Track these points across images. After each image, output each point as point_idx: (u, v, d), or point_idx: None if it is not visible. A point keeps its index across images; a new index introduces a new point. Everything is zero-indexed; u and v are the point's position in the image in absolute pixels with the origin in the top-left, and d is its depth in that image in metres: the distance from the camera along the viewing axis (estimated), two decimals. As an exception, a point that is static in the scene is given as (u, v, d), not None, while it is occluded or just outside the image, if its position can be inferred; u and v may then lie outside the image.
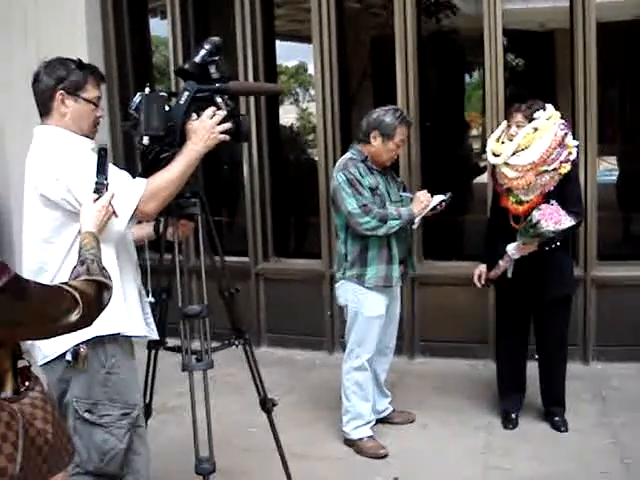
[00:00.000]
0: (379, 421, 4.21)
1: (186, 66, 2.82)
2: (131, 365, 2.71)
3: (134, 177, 2.61)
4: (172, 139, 2.64)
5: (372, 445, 3.95)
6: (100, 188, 2.38)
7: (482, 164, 5.70)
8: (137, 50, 6.10)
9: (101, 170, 2.40)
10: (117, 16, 5.88)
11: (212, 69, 2.80)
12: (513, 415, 4.19)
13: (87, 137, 2.63)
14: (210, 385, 2.85)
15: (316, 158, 5.69)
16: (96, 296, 1.89)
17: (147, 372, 3.06)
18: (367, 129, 3.87)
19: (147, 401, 3.07)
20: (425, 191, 3.95)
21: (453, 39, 6.24)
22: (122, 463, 2.61)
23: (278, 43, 6.13)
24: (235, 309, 3.07)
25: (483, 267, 4.13)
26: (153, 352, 3.04)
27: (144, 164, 2.70)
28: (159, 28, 6.36)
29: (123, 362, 2.64)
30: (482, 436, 4.10)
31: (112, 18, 5.84)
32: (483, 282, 4.14)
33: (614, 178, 5.87)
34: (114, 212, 2.42)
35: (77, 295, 1.80)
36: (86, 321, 1.83)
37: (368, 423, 4.03)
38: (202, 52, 2.81)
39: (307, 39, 5.53)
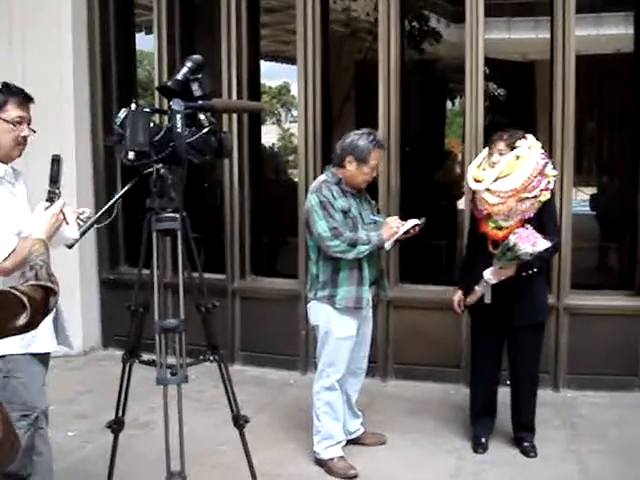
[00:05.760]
0: (350, 442, 4.21)
1: (169, 83, 2.86)
2: (35, 370, 2.79)
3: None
4: (167, 157, 2.67)
5: (342, 465, 3.94)
6: (52, 196, 2.43)
7: (460, 190, 5.76)
8: (122, 64, 6.11)
9: (54, 179, 2.46)
10: (103, 30, 5.89)
11: (194, 86, 2.85)
12: (483, 439, 4.21)
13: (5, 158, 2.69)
14: (186, 398, 2.86)
15: (296, 179, 5.72)
16: (43, 301, 1.94)
17: (121, 385, 3.06)
18: (342, 154, 3.89)
19: (120, 414, 3.07)
20: (396, 217, 3.98)
21: (435, 66, 6.35)
22: (23, 463, 2.68)
23: (262, 63, 6.17)
24: (211, 325, 3.08)
25: (460, 293, 4.17)
26: (127, 365, 3.04)
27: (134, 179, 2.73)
28: (144, 43, 6.38)
29: (25, 367, 2.73)
30: (452, 460, 4.12)
31: (98, 31, 5.86)
32: (462, 308, 4.18)
33: (588, 208, 5.97)
34: (65, 220, 2.46)
35: (25, 300, 1.85)
36: (32, 325, 1.88)
37: (339, 443, 4.03)
38: (184, 70, 2.86)
39: (291, 60, 5.59)
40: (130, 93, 6.26)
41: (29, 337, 2.61)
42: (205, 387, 4.72)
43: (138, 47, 6.46)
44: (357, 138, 3.87)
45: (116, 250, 6.23)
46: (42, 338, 2.74)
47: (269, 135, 7.25)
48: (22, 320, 1.82)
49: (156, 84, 5.72)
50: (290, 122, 8.90)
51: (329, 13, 5.69)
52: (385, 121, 5.19)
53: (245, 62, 5.57)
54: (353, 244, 3.78)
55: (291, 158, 6.81)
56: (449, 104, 6.81)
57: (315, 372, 5.28)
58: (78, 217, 2.77)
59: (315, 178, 5.25)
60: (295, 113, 7.06)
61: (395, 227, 3.86)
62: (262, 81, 6.32)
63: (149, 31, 6.33)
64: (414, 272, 5.62)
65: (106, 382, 5.05)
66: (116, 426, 3.15)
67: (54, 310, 2.73)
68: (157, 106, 3.69)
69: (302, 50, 5.34)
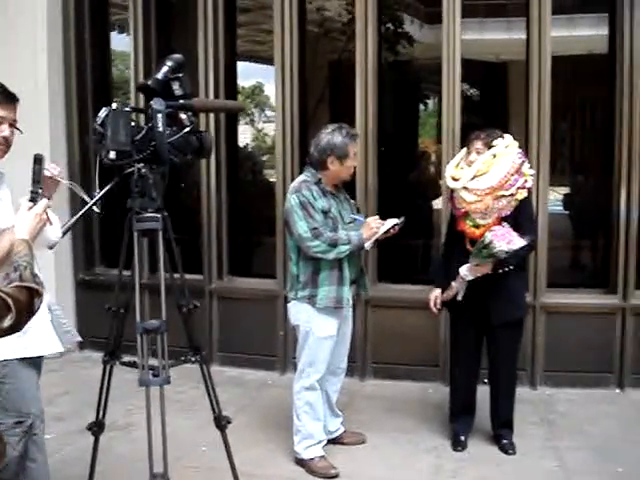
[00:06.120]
0: (330, 441, 4.21)
1: (149, 82, 2.84)
2: (28, 375, 2.75)
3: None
4: (149, 156, 2.65)
5: (323, 465, 3.95)
6: (35, 196, 2.39)
7: (436, 190, 5.79)
8: (97, 63, 6.06)
9: (37, 179, 2.41)
10: (78, 29, 5.84)
11: (175, 86, 2.83)
12: (462, 437, 4.24)
13: None
14: (164, 400, 2.84)
15: (273, 179, 5.71)
16: (27, 303, 1.92)
17: (101, 387, 3.04)
18: (321, 156, 3.88)
19: (100, 416, 3.04)
20: (376, 217, 3.98)
21: (412, 67, 6.37)
22: (17, 471, 2.65)
23: (238, 63, 6.15)
24: (192, 325, 3.06)
25: (438, 291, 4.19)
26: (108, 367, 3.02)
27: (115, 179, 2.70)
28: (120, 42, 6.33)
29: (18, 372, 2.68)
30: (432, 458, 4.14)
31: (73, 31, 5.81)
32: (439, 306, 4.20)
33: (562, 208, 6.02)
34: (48, 220, 2.43)
35: (10, 301, 1.84)
36: (17, 327, 1.87)
37: (319, 443, 4.04)
38: (164, 69, 2.85)
39: (265, 60, 5.57)
40: (105, 93, 6.21)
41: (24, 341, 2.56)
42: (184, 388, 4.69)
43: (113, 47, 6.39)
44: (331, 137, 3.87)
45: (92, 251, 6.18)
46: (35, 341, 2.69)
47: (243, 135, 7.23)
48: (7, 322, 1.81)
49: (132, 84, 5.68)
50: (264, 122, 8.90)
51: (306, 13, 5.69)
52: (362, 121, 5.20)
53: (222, 62, 5.55)
54: (333, 244, 3.78)
55: (265, 158, 6.79)
56: (425, 104, 6.83)
57: (293, 372, 5.31)
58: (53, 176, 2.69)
59: (293, 178, 5.29)
60: (269, 113, 7.05)
61: (375, 227, 3.87)
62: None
63: (122, 30, 6.29)
64: (391, 271, 5.63)
65: (83, 384, 5.05)
66: (97, 428, 3.13)
67: (48, 312, 2.71)
68: (133, 105, 3.64)
69: (279, 50, 5.34)
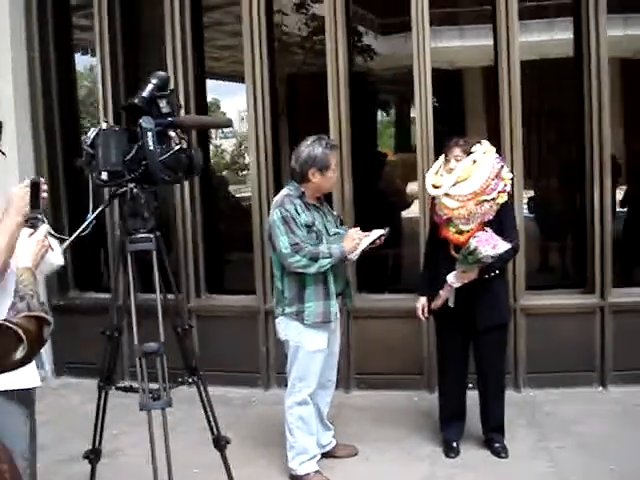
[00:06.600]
0: (323, 455, 4.19)
1: (135, 101, 2.80)
2: (10, 409, 2.63)
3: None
4: (140, 176, 2.60)
5: (319, 480, 3.92)
6: (34, 222, 2.32)
7: (412, 198, 5.81)
8: (62, 84, 5.96)
9: (34, 204, 2.35)
10: (42, 48, 5.75)
11: (162, 103, 2.80)
12: (454, 444, 4.25)
13: None
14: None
15: (249, 194, 5.67)
16: (37, 332, 1.88)
17: (97, 414, 2.97)
18: (303, 169, 3.87)
19: (97, 444, 2.97)
20: (357, 229, 3.97)
21: (383, 77, 6.40)
22: None
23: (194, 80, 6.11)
24: (188, 346, 3.02)
25: (424, 300, 4.20)
26: (103, 393, 2.96)
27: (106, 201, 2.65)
28: (85, 62, 6.26)
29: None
30: (425, 466, 4.15)
31: (38, 50, 5.72)
32: (426, 315, 4.21)
33: (529, 211, 6.08)
34: (50, 246, 2.37)
35: (21, 332, 1.80)
36: (29, 358, 1.83)
37: (314, 457, 4.01)
38: (150, 87, 2.82)
39: (220, 76, 5.51)
40: (72, 113, 6.13)
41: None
42: (171, 410, 4.61)
43: (79, 67, 6.32)
44: (312, 149, 3.87)
45: (65, 275, 6.05)
46: (22, 373, 2.60)
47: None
48: (19, 354, 1.76)
49: (100, 104, 5.60)
50: (221, 138, 8.89)
51: (273, 27, 5.68)
52: (336, 132, 5.19)
53: (191, 79, 5.51)
54: (315, 258, 3.76)
55: (225, 173, 6.77)
56: (397, 114, 6.88)
57: (277, 388, 5.30)
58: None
59: (268, 191, 5.30)
60: (226, 130, 7.03)
61: (357, 238, 3.85)
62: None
63: (85, 52, 6.23)
64: (370, 281, 5.63)
65: (64, 412, 4.96)
66: (93, 456, 3.06)
67: None
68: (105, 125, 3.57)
69: (250, 66, 5.30)
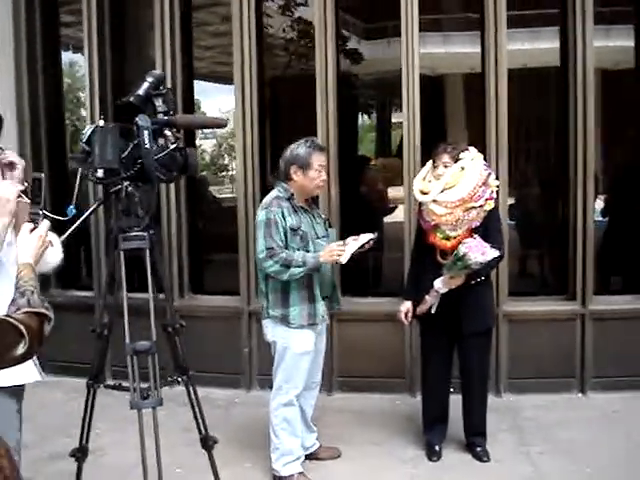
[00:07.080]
0: (306, 457, 4.19)
1: (131, 99, 2.80)
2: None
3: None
4: (136, 174, 2.60)
5: (302, 481, 3.93)
6: (35, 218, 2.31)
7: (398, 203, 5.84)
8: (49, 83, 5.94)
9: (36, 200, 2.34)
10: (30, 48, 5.72)
11: (158, 102, 2.80)
12: (437, 447, 4.28)
13: None
14: (134, 424, 2.77)
15: (232, 195, 5.67)
16: (39, 328, 1.88)
17: (85, 412, 2.96)
18: (285, 168, 3.91)
19: (84, 442, 2.96)
20: (341, 242, 3.91)
21: (371, 81, 6.42)
22: None
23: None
24: (179, 346, 3.02)
25: (408, 304, 4.22)
26: (92, 391, 2.95)
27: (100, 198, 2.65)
28: (73, 61, 6.23)
29: None
30: (408, 468, 4.18)
31: (25, 51, 5.69)
32: (410, 319, 4.23)
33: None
34: (50, 242, 2.36)
35: (22, 328, 1.80)
36: (30, 354, 1.83)
37: (298, 459, 4.02)
38: (145, 85, 2.82)
39: (203, 77, 5.50)
40: (58, 112, 6.10)
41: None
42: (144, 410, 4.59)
43: (65, 66, 6.29)
44: (296, 147, 3.92)
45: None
46: (20, 368, 2.58)
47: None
48: (20, 350, 1.76)
49: (87, 103, 5.57)
50: (200, 139, 8.87)
51: (263, 30, 5.70)
52: (324, 135, 5.20)
53: (179, 80, 5.50)
54: (287, 265, 3.76)
55: (204, 173, 6.76)
56: (385, 118, 6.91)
57: (260, 390, 5.30)
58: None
59: (253, 192, 5.30)
60: (206, 130, 7.03)
61: (336, 252, 3.82)
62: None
63: (76, 50, 6.19)
64: (354, 285, 5.64)
65: (43, 410, 4.90)
66: (80, 454, 3.05)
67: None
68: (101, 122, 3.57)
69: (239, 68, 5.31)
